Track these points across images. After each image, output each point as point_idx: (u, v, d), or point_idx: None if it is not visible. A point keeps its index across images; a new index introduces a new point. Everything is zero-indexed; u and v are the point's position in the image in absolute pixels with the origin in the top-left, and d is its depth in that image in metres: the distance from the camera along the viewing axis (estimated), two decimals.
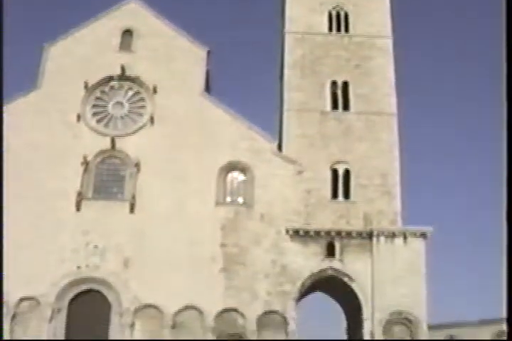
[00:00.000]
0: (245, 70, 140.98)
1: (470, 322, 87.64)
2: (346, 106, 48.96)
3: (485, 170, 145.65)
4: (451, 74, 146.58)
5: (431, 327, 48.27)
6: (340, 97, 49.27)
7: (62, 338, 41.52)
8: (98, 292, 43.08)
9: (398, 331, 43.98)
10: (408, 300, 43.78)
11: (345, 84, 49.63)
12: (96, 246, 43.31)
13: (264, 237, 44.25)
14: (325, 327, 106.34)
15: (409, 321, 43.94)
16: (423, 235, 45.12)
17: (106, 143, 46.11)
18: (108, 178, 46.01)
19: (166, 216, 44.28)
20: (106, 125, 47.41)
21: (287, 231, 44.38)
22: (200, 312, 42.59)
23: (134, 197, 44.77)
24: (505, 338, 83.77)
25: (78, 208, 44.22)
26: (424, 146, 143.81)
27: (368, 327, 43.71)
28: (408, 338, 43.74)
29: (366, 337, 43.49)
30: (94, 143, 46.05)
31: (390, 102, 48.94)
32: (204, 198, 44.98)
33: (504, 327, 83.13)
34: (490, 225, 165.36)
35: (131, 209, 44.54)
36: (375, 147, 47.49)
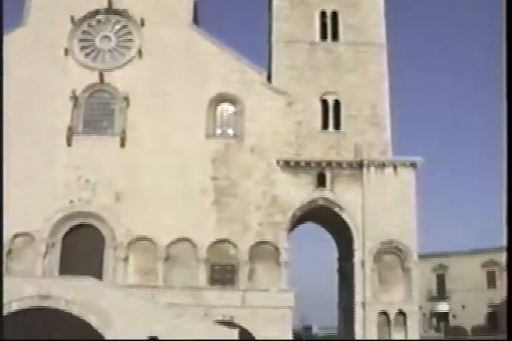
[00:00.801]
0: (234, 1, 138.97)
1: (459, 252, 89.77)
2: (335, 37, 48.53)
3: (475, 102, 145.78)
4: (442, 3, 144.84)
5: (421, 257, 49.25)
6: (330, 28, 48.76)
7: (57, 272, 42.01)
8: (91, 226, 43.56)
9: (389, 260, 44.83)
10: (398, 229, 44.48)
11: (335, 15, 49.03)
12: (87, 181, 43.53)
13: (255, 169, 44.52)
14: (317, 257, 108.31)
15: (400, 250, 44.69)
16: (413, 165, 45.49)
17: (94, 77, 45.78)
18: (98, 113, 45.84)
19: (156, 150, 44.39)
20: (94, 59, 46.94)
21: (278, 163, 44.64)
22: (193, 244, 43.20)
23: (124, 132, 44.78)
24: (493, 268, 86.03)
25: (69, 143, 44.22)
26: (414, 77, 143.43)
27: (359, 256, 44.52)
28: (399, 267, 44.64)
29: (357, 266, 44.31)
30: (83, 78, 45.70)
31: (380, 32, 48.49)
32: (194, 131, 44.99)
33: (493, 256, 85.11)
34: (481, 156, 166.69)
35: (122, 144, 44.61)
36: (365, 78, 47.31)
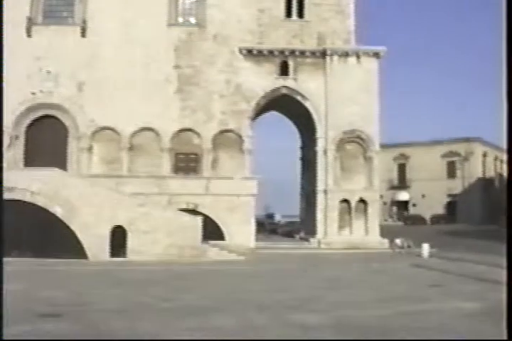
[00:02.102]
0: None
1: (420, 143, 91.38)
2: None
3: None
4: None
5: (383, 146, 50.12)
6: None
7: (21, 164, 41.96)
8: (54, 118, 43.26)
9: (351, 149, 45.58)
10: (361, 118, 44.97)
11: None
12: (49, 72, 42.85)
13: (217, 57, 44.14)
14: (280, 145, 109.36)
15: (362, 139, 45.35)
16: (376, 55, 45.41)
17: None
18: (57, 3, 44.37)
19: (118, 39, 43.55)
20: None
21: (241, 51, 44.24)
22: (157, 133, 43.32)
23: (85, 22, 43.69)
24: (453, 159, 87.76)
25: (29, 34, 43.14)
26: None
27: (321, 145, 45.19)
28: (361, 156, 45.45)
29: (320, 154, 45.04)
30: None
31: None
32: (156, 19, 44.07)
33: (453, 147, 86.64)
34: (448, 46, 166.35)
35: (83, 34, 43.64)
36: None
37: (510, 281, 11.15)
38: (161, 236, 35.18)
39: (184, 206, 41.22)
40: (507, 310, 10.22)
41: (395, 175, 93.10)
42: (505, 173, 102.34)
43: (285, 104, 46.73)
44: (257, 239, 42.98)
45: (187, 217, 36.66)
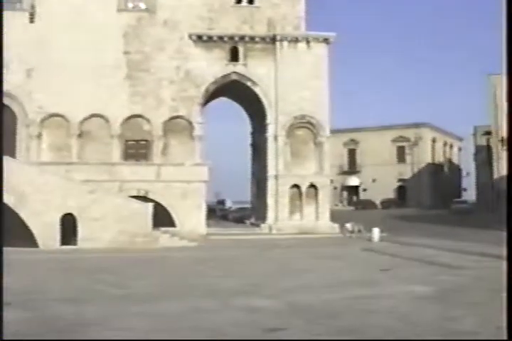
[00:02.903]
0: None
1: (370, 128, 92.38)
2: None
3: None
4: None
5: (333, 132, 50.52)
6: None
7: None
8: (2, 105, 42.48)
9: (301, 134, 45.85)
10: (311, 104, 45.22)
11: None
12: None
13: (167, 43, 43.81)
14: (230, 131, 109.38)
15: (312, 125, 45.65)
16: (326, 40, 45.62)
17: None
18: None
19: (67, 24, 42.65)
20: None
21: (190, 37, 43.98)
22: (106, 119, 42.92)
23: (33, 7, 42.86)
24: (403, 144, 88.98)
25: None
26: None
27: (271, 130, 45.34)
28: (311, 141, 45.78)
29: (270, 140, 45.22)
30: None
31: None
32: (105, 4, 43.43)
33: (403, 132, 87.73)
34: (400, 32, 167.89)
35: (31, 19, 42.83)
36: None
37: (510, 281, 11.41)
38: (112, 223, 35.03)
39: (135, 193, 41.05)
40: (507, 310, 10.46)
41: (345, 160, 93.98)
42: (454, 158, 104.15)
43: (235, 90, 46.71)
44: (208, 225, 43.07)
45: (138, 204, 36.56)
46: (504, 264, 13.17)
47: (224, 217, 60.48)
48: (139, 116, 43.27)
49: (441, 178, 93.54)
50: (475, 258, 25.88)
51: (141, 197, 40.19)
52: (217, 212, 64.67)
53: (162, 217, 39.18)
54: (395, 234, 40.21)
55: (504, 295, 11.48)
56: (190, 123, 43.65)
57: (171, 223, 40.86)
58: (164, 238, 36.33)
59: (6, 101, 41.50)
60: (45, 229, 34.58)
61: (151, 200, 39.52)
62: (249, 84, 44.95)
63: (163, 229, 37.91)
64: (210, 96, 45.73)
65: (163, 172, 42.16)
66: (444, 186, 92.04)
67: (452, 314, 14.13)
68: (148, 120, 43.27)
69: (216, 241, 38.58)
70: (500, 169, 61.46)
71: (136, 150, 43.39)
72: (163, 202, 41.33)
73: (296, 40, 45.14)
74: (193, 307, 15.22)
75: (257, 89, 45.01)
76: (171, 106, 43.50)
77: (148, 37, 43.79)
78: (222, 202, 74.47)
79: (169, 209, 41.51)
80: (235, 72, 44.64)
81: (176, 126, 43.62)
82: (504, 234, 14.62)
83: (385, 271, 22.50)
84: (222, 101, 51.11)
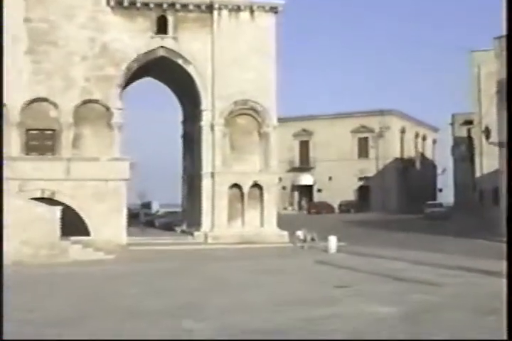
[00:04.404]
0: None
1: (327, 116, 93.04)
2: None
3: None
4: None
5: (281, 120, 50.87)
6: None
7: None
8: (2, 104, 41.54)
9: (243, 123, 46.11)
10: (255, 86, 45.46)
11: None
12: None
13: (79, 10, 43.34)
14: (157, 119, 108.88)
15: (257, 112, 45.88)
16: (273, 9, 46.00)
17: None
18: None
19: None
20: None
21: (108, 3, 43.69)
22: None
23: None
24: (365, 135, 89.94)
25: None
26: None
27: (207, 118, 45.46)
28: (255, 132, 45.99)
29: (206, 130, 45.31)
30: None
31: None
32: None
33: (366, 121, 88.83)
34: (363, 9, 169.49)
35: None
36: None
37: (510, 281, 11.79)
38: (8, 232, 34.50)
39: (39, 194, 40.62)
40: (507, 310, 10.81)
41: (296, 154, 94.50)
42: (427, 153, 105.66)
43: (163, 69, 46.66)
44: (130, 234, 42.91)
45: (42, 208, 36.14)
46: (490, 280, 13.41)
47: (149, 224, 60.35)
48: (44, 99, 42.77)
49: (412, 176, 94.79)
50: (452, 273, 26.25)
51: (46, 199, 39.77)
52: (141, 218, 64.51)
53: (73, 224, 38.80)
54: (356, 244, 40.64)
55: (491, 318, 11.69)
56: (107, 109, 43.38)
57: (84, 231, 40.55)
58: (75, 249, 36.02)
59: None
60: None
61: (59, 203, 39.14)
62: (180, 61, 44.92)
63: (74, 238, 37.59)
64: (133, 76, 45.53)
65: (74, 169, 41.79)
66: (415, 186, 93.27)
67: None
68: (55, 105, 42.83)
69: (139, 252, 38.44)
70: (484, 166, 62.26)
71: (41, 141, 42.94)
72: (74, 206, 40.99)
73: (237, 9, 45.35)
74: (114, 332, 15.23)
75: (189, 68, 45.02)
76: (84, 88, 43.14)
77: (55, 1, 43.28)
78: (147, 205, 74.29)
79: (81, 213, 41.18)
80: (162, 47, 44.61)
81: (90, 112, 43.30)
82: (489, 244, 14.95)
83: (342, 287, 22.72)
84: (148, 82, 51.09)
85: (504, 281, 15.42)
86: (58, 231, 35.43)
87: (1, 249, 20.50)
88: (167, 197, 71.87)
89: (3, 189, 31.55)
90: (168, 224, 55.76)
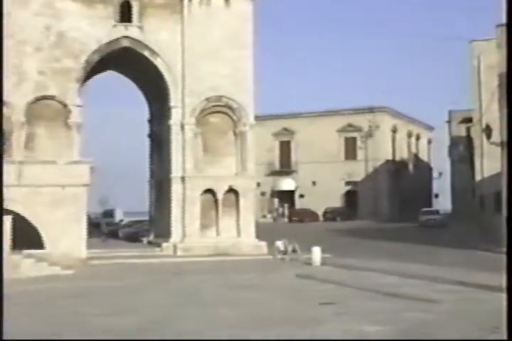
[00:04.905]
0: None
1: (310, 113, 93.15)
2: None
3: None
4: None
5: (261, 118, 50.87)
6: None
7: None
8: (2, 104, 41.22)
9: (217, 122, 46.15)
10: (230, 81, 45.46)
11: None
12: None
13: None
14: (121, 118, 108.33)
15: (232, 109, 45.87)
16: None
17: None
18: None
19: None
20: None
21: None
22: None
23: None
24: (353, 135, 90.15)
25: None
26: None
27: (177, 117, 45.32)
28: (230, 131, 45.92)
29: (175, 129, 45.16)
30: None
31: None
32: None
33: (353, 119, 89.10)
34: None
35: None
36: None
37: (510, 282, 12.07)
38: None
39: None
40: (507, 310, 10.94)
41: (276, 156, 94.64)
42: (422, 154, 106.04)
43: (128, 62, 46.62)
44: (91, 246, 42.67)
45: None
46: (492, 296, 13.41)
47: (112, 234, 60.20)
48: None
49: (405, 180, 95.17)
50: (450, 288, 26.31)
51: None
52: (103, 227, 64.29)
53: (26, 236, 38.45)
54: (343, 256, 40.62)
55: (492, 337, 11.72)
56: (65, 106, 43.16)
57: (38, 243, 40.27)
58: (27, 264, 35.74)
59: None
60: None
61: (10, 212, 38.83)
62: (146, 53, 44.80)
63: (27, 252, 37.29)
64: (93, 69, 45.34)
65: (27, 173, 41.44)
66: (408, 191, 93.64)
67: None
68: (4, 101, 42.49)
69: (101, 267, 38.28)
70: (485, 168, 62.09)
71: None
72: (27, 214, 40.66)
73: None
74: None
75: (157, 61, 44.93)
76: (38, 83, 42.89)
77: None
78: (110, 214, 74.15)
79: (35, 223, 40.87)
80: (126, 37, 44.49)
81: (45, 109, 43.03)
82: (491, 256, 14.97)
83: (328, 304, 22.67)
84: (110, 76, 51.01)
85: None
86: (8, 244, 35.13)
87: (1, 251, 20.41)
88: (132, 204, 71.82)
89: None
90: (133, 234, 55.64)
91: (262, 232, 46.80)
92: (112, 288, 29.54)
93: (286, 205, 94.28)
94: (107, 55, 44.44)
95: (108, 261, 40.48)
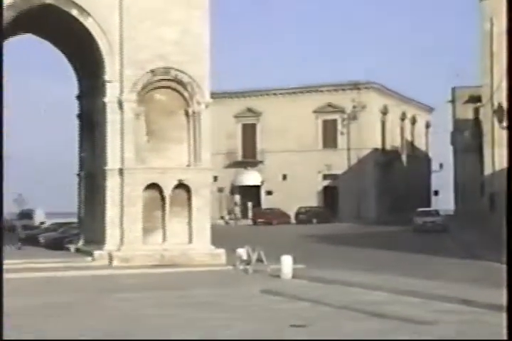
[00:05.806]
0: None
1: (281, 90, 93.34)
2: None
3: None
4: None
5: (219, 96, 50.71)
6: None
7: None
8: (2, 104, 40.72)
9: (164, 100, 46.14)
10: (179, 49, 45.42)
11: None
12: None
13: None
14: (42, 93, 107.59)
15: (182, 84, 45.74)
16: None
17: None
18: None
19: None
20: None
21: None
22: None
23: None
24: (333, 117, 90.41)
25: None
26: None
27: (113, 93, 45.00)
28: (181, 111, 45.73)
29: (111, 108, 44.98)
30: None
31: None
32: None
33: (334, 98, 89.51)
34: None
35: None
36: None
37: (510, 282, 12.32)
38: None
39: None
40: (507, 310, 11.05)
41: (238, 143, 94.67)
42: (419, 141, 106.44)
43: (51, 23, 46.34)
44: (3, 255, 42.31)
45: None
46: (499, 317, 13.47)
47: (31, 240, 59.89)
48: None
49: (397, 174, 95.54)
50: (450, 308, 26.41)
51: None
52: (19, 232, 63.99)
53: None
54: (319, 267, 40.70)
55: None
56: None
57: None
58: None
59: None
60: None
61: None
62: (74, 12, 44.50)
63: None
64: (7, 30, 44.85)
65: None
66: (401, 187, 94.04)
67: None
68: None
69: (15, 282, 37.69)
70: (496, 159, 61.48)
71: None
72: None
73: None
74: None
75: (88, 22, 44.65)
76: None
77: None
78: (27, 215, 73.89)
79: None
80: None
81: None
82: (501, 267, 15.06)
83: (300, 327, 22.62)
84: (28, 40, 50.66)
85: None
86: None
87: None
88: (56, 203, 71.67)
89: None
90: (57, 240, 55.40)
91: (220, 238, 46.88)
92: (30, 308, 28.93)
93: (250, 204, 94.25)
94: (25, 13, 43.85)
95: (25, 274, 39.94)
